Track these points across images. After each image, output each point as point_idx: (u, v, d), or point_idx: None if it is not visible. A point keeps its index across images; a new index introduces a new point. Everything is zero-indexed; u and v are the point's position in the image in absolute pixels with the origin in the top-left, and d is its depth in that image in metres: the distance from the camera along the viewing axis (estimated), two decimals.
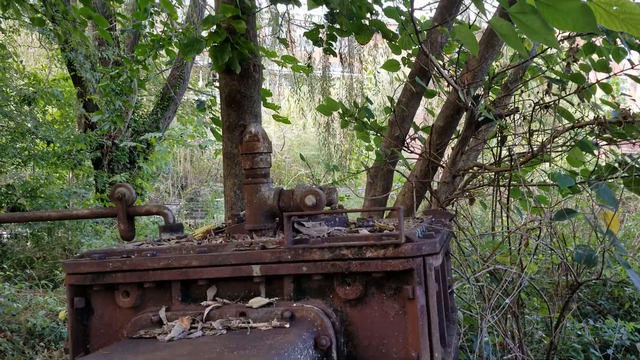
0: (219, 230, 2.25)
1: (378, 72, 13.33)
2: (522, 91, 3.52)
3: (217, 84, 4.82)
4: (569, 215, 3.16)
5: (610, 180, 3.11)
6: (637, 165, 3.36)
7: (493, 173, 3.58)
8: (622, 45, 3.16)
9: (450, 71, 3.69)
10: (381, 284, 1.60)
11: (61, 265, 1.77)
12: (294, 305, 1.61)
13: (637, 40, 3.10)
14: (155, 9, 6.12)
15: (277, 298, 1.66)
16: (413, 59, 4.65)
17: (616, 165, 3.51)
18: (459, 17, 4.35)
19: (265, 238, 1.87)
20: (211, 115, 5.56)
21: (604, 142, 3.06)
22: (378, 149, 4.28)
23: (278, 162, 19.02)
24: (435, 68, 3.07)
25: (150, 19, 6.11)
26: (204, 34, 3.33)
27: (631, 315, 4.57)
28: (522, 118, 3.29)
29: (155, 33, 6.32)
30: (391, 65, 4.61)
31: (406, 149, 3.75)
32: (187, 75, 12.66)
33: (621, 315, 4.57)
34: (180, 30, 6.22)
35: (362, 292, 1.61)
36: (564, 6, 1.78)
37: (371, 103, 3.91)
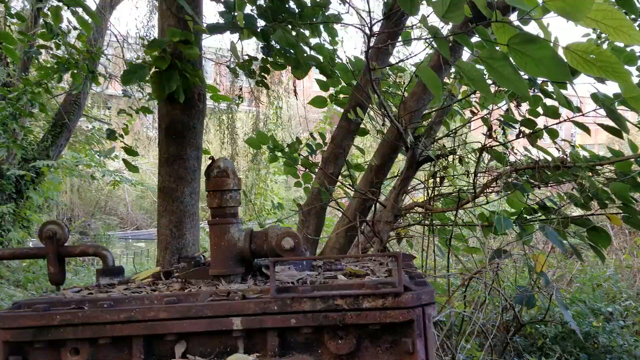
0: (169, 274, 2.03)
1: (280, 108, 13.35)
2: (457, 133, 3.60)
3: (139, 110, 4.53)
4: (504, 255, 3.23)
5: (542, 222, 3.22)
6: (555, 207, 3.53)
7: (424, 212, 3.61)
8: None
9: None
10: (376, 336, 1.48)
11: None
12: None
13: (564, 91, 3.29)
14: (62, 30, 5.70)
15: (258, 354, 1.48)
16: (341, 96, 4.66)
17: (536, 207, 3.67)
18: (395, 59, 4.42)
19: (236, 285, 1.69)
20: (122, 145, 5.21)
21: (540, 185, 3.18)
22: (307, 185, 4.20)
23: None
24: (379, 107, 3.06)
25: (57, 40, 5.67)
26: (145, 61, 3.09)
27: (544, 351, 4.75)
28: (459, 160, 3.35)
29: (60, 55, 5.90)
30: (318, 102, 4.60)
31: (350, 188, 3.68)
32: (83, 101, 11.95)
33: (534, 352, 4.73)
34: (88, 53, 5.86)
35: (355, 346, 1.47)
36: (536, 54, 1.79)
37: (314, 139, 3.83)
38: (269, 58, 3.90)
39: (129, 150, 4.87)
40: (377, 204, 3.33)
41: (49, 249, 2.01)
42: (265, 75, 4.08)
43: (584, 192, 3.23)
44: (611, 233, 3.69)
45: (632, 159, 3.18)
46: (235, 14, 3.35)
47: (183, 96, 2.67)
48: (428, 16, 2.08)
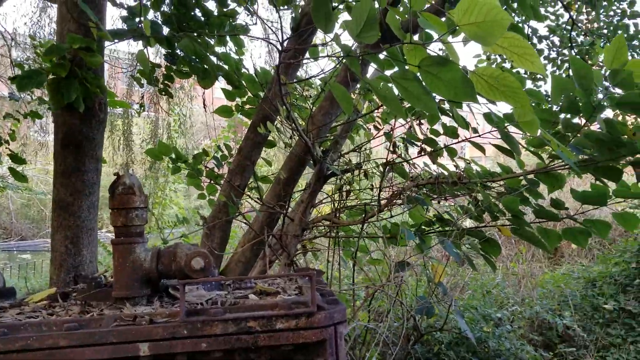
0: (66, 296, 1.90)
1: (184, 115, 13.03)
2: (363, 148, 3.69)
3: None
4: (407, 267, 3.35)
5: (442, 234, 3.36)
6: (452, 220, 3.72)
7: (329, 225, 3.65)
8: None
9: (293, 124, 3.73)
10: (289, 357, 1.47)
11: None
12: None
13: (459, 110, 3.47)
14: None
15: None
16: (247, 106, 4.63)
17: (434, 219, 3.84)
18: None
19: (142, 308, 1.62)
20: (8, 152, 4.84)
21: (439, 198, 3.32)
22: (212, 197, 4.12)
23: None
24: (288, 120, 3.07)
25: None
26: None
27: (440, 357, 4.96)
28: (364, 174, 3.43)
29: None
30: (224, 111, 4.54)
31: (257, 201, 3.64)
32: None
33: (431, 358, 4.93)
34: None
35: None
36: (446, 75, 1.87)
37: (222, 151, 3.75)
38: (173, 66, 3.79)
39: (16, 158, 4.55)
40: (285, 217, 3.33)
41: None
42: (169, 84, 3.96)
43: (478, 205, 3.41)
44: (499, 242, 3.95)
45: (521, 176, 3.41)
46: (138, 19, 3.24)
47: (83, 106, 2.52)
48: (341, 34, 2.11)
